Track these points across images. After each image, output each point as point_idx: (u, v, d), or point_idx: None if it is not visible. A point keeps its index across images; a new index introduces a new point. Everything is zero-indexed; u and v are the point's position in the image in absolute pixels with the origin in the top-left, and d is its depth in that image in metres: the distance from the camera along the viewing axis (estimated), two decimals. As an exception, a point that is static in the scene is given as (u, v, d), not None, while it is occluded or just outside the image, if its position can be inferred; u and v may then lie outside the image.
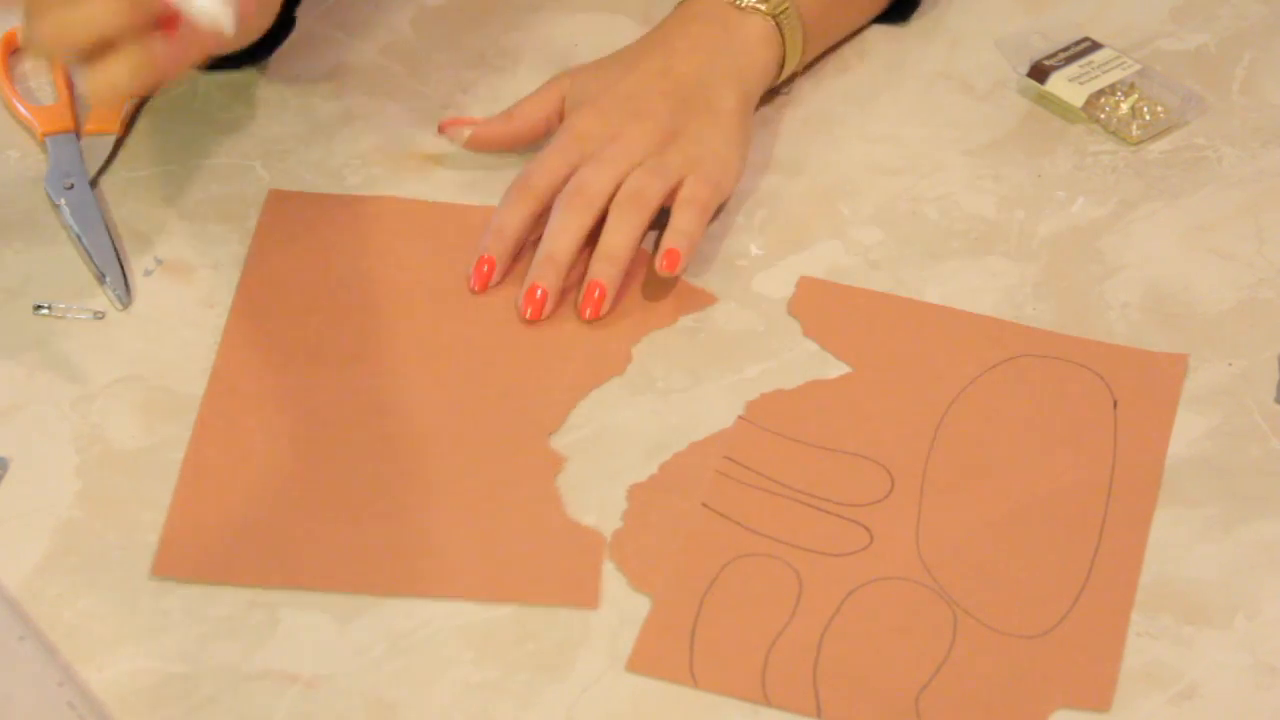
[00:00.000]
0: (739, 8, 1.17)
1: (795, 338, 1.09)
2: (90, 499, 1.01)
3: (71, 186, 1.16)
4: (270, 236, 1.13)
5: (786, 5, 1.17)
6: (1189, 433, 1.04)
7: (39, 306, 1.10)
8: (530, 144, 1.15)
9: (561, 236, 1.08)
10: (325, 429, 1.03)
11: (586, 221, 1.09)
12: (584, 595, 0.97)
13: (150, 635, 0.95)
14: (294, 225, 1.14)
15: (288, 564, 0.97)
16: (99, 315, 1.10)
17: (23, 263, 1.13)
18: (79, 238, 1.13)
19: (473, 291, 1.08)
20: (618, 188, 1.10)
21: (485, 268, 1.09)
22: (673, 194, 1.10)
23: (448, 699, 0.93)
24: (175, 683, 0.93)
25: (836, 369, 1.07)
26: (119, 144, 1.19)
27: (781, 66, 1.19)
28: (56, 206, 1.15)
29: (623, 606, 0.96)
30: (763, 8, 1.17)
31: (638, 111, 1.12)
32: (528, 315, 1.06)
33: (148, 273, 1.12)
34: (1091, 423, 1.04)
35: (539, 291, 1.07)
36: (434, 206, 1.15)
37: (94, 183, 1.16)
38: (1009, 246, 1.14)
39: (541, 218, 1.10)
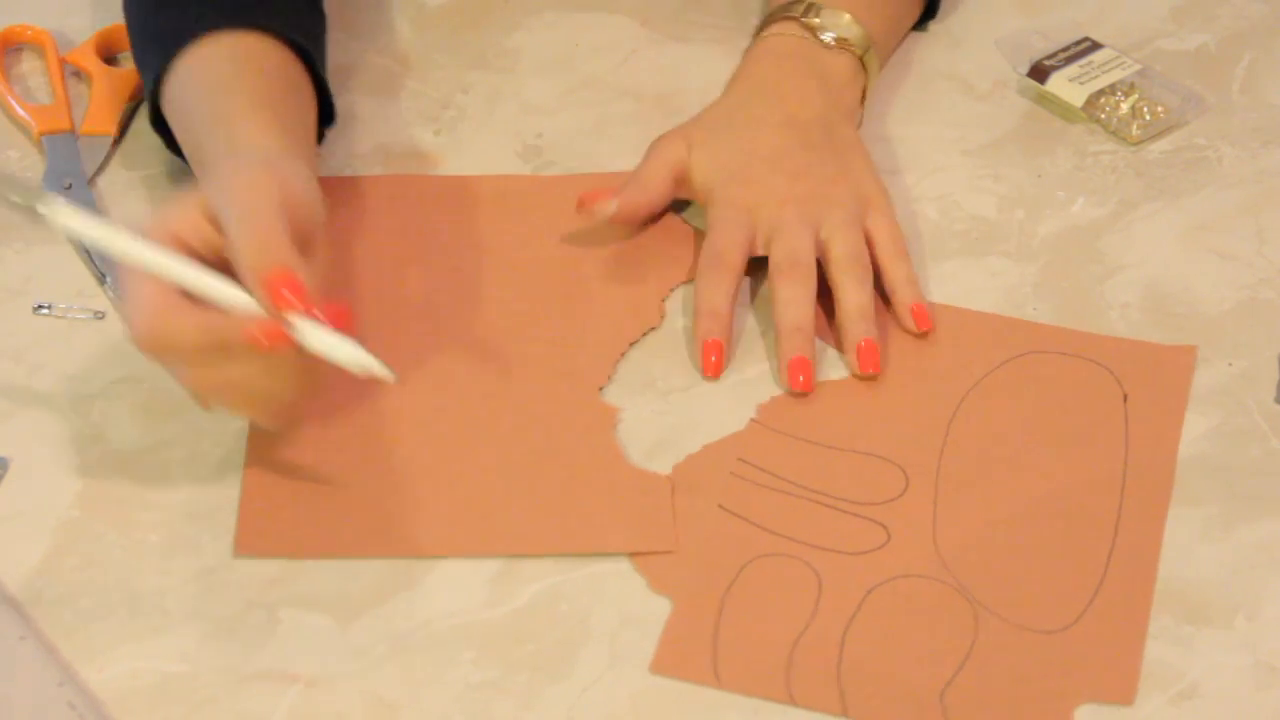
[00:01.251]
0: (826, 46, 1.17)
1: (795, 338, 1.09)
2: (90, 499, 1.01)
3: (69, 186, 1.16)
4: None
5: (869, 44, 1.18)
6: (1189, 433, 1.04)
7: (39, 306, 1.10)
8: (661, 209, 1.14)
9: (799, 307, 1.07)
10: (380, 400, 1.04)
11: (813, 287, 1.08)
12: (661, 539, 0.98)
13: (150, 635, 0.95)
14: (337, 207, 1.14)
15: (365, 533, 0.98)
16: (99, 315, 1.10)
17: (23, 263, 1.13)
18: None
19: (706, 378, 1.07)
20: (815, 243, 1.10)
21: (714, 355, 1.07)
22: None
23: (448, 699, 0.93)
24: (175, 683, 0.93)
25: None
26: (116, 144, 1.20)
27: (863, 98, 1.19)
28: (55, 207, 1.15)
29: (623, 606, 0.96)
30: (848, 47, 1.17)
31: (792, 172, 1.12)
32: (799, 384, 1.05)
33: (147, 272, 1.12)
34: (1102, 417, 1.04)
35: (798, 360, 1.06)
36: (463, 180, 1.17)
37: (91, 182, 1.16)
38: (1009, 246, 1.14)
39: (740, 289, 1.10)
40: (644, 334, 1.09)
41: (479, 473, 1.01)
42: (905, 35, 1.27)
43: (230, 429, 1.03)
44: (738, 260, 1.09)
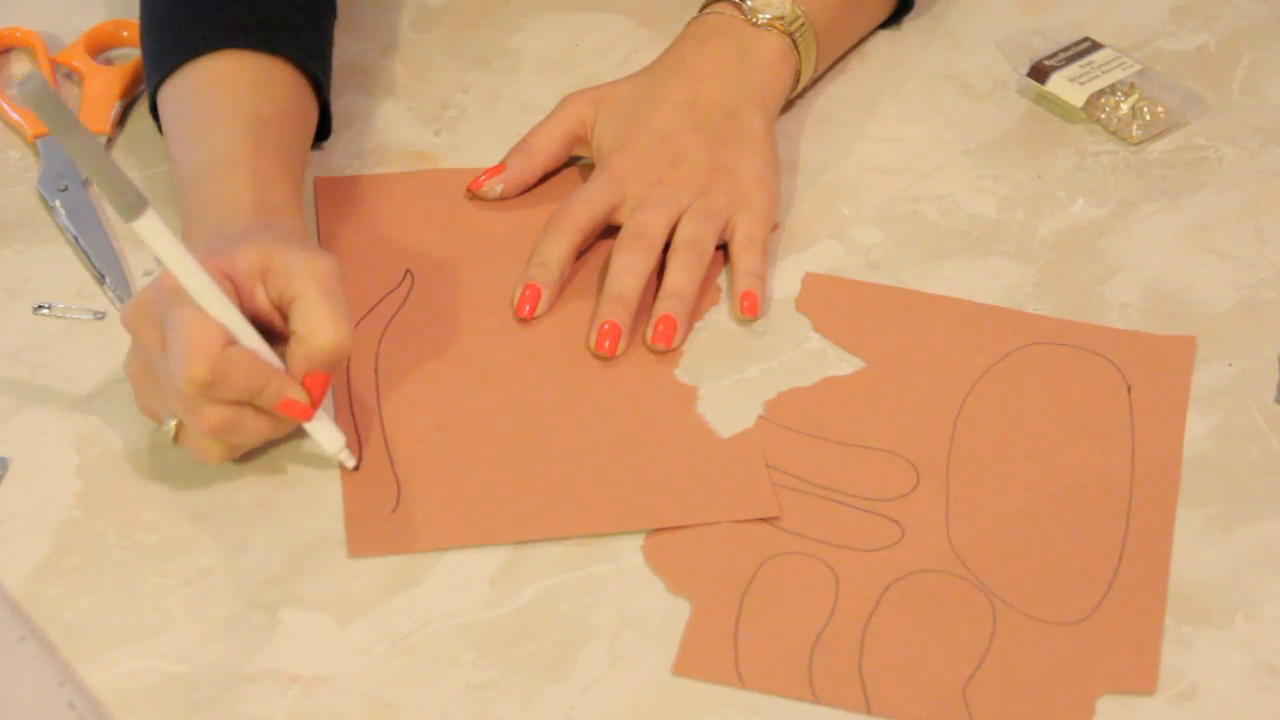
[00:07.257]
0: (755, 25, 1.17)
1: (795, 337, 1.09)
2: (90, 499, 1.01)
3: (66, 188, 1.16)
4: (334, 219, 1.14)
5: (801, 21, 1.17)
6: (1189, 433, 1.04)
7: (39, 306, 1.10)
8: (553, 171, 1.16)
9: (629, 276, 1.08)
10: (463, 391, 1.05)
11: (650, 263, 1.09)
12: (762, 506, 1.00)
13: (150, 635, 0.95)
14: (352, 206, 1.15)
15: (475, 522, 0.99)
16: (99, 315, 1.10)
17: (23, 263, 1.13)
18: (76, 239, 1.13)
19: (520, 320, 1.09)
20: (672, 228, 1.11)
21: (530, 303, 1.09)
22: (724, 232, 1.11)
23: (448, 699, 0.93)
24: (175, 683, 0.93)
25: (837, 367, 1.07)
26: (111, 143, 1.19)
27: (796, 81, 1.19)
28: (51, 208, 1.15)
29: (623, 607, 0.96)
30: (779, 25, 1.17)
31: (676, 155, 1.13)
32: (604, 349, 1.07)
33: (147, 273, 1.12)
34: (1107, 408, 1.05)
35: (610, 326, 1.07)
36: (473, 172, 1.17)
37: (87, 184, 1.16)
38: (1009, 247, 1.14)
39: (583, 250, 1.11)
40: (708, 310, 1.10)
41: (575, 456, 1.02)
42: (867, 26, 1.26)
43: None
44: (586, 219, 1.10)
